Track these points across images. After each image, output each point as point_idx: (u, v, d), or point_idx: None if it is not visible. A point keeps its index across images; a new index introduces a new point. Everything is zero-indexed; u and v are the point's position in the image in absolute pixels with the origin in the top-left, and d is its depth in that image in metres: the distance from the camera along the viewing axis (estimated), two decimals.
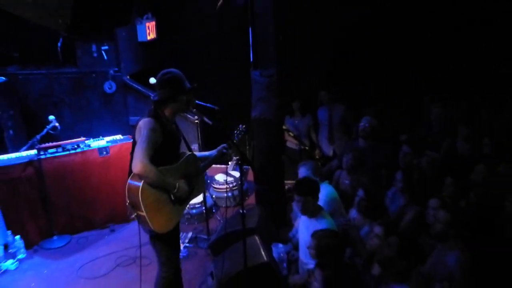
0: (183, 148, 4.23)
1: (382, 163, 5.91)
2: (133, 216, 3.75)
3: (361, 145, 6.14)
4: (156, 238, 4.01)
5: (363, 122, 6.16)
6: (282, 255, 5.15)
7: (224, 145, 4.34)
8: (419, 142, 6.52)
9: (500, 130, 6.64)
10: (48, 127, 6.04)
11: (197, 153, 4.37)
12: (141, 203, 3.65)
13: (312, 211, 4.62)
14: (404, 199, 5.10)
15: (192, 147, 6.27)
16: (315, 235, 4.06)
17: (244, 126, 4.51)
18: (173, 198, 3.89)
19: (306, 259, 4.49)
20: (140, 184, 3.65)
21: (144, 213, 3.67)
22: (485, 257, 4.20)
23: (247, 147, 6.74)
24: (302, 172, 5.46)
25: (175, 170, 3.92)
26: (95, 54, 7.43)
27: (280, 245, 5.29)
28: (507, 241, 4.34)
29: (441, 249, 4.06)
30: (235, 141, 4.31)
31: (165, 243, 4.03)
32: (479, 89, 7.85)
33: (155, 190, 3.74)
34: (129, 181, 3.75)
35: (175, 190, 3.82)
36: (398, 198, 5.18)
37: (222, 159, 4.38)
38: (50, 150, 5.85)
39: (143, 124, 3.75)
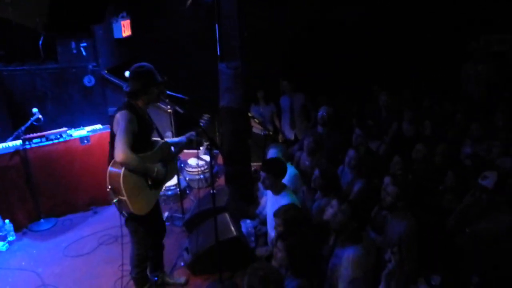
0: (155, 136, 4.22)
1: (338, 146, 5.99)
2: (115, 201, 3.73)
3: (320, 132, 6.21)
4: (132, 220, 4.00)
5: (321, 112, 6.23)
6: (250, 230, 5.20)
7: (192, 132, 4.34)
8: (371, 125, 6.62)
9: (439, 114, 6.81)
10: (32, 119, 5.91)
11: (168, 139, 4.36)
12: (122, 188, 3.64)
13: (277, 188, 4.66)
14: (352, 175, 5.18)
15: (166, 134, 6.28)
16: (278, 211, 4.10)
17: (208, 115, 4.50)
18: (150, 183, 3.89)
19: (273, 233, 4.54)
20: (121, 170, 3.64)
21: (125, 198, 3.67)
22: (427, 225, 4.32)
23: (217, 133, 6.74)
24: (272, 153, 5.51)
25: (151, 156, 3.92)
26: (74, 51, 7.29)
27: (248, 221, 5.33)
28: (445, 210, 4.47)
29: (391, 219, 4.14)
30: (202, 129, 4.31)
31: (140, 224, 4.04)
32: (422, 79, 8.03)
33: (135, 176, 3.74)
34: (110, 168, 3.73)
35: (155, 174, 3.83)
36: (346, 174, 5.27)
37: (191, 145, 4.38)
38: (35, 140, 5.75)
39: (120, 116, 3.72)
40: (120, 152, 3.57)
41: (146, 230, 4.11)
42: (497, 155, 5.24)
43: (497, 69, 7.52)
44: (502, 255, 3.82)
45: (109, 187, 3.73)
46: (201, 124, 4.36)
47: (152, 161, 3.89)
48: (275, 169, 4.63)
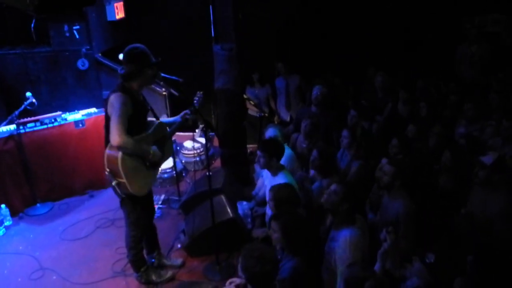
0: (150, 117, 4.20)
1: (332, 125, 5.98)
2: (114, 183, 3.73)
3: (314, 111, 6.19)
4: (127, 200, 4.00)
5: (315, 91, 6.19)
6: (246, 211, 5.21)
7: (187, 111, 4.33)
8: (366, 106, 6.60)
9: (434, 95, 6.81)
10: (25, 103, 5.84)
11: (163, 119, 4.34)
12: (121, 171, 3.66)
13: (274, 169, 4.66)
14: (350, 155, 5.18)
15: (162, 117, 6.23)
16: (273, 188, 4.12)
17: (201, 93, 4.47)
18: (147, 164, 3.90)
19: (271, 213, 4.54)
20: (119, 153, 3.63)
21: (124, 180, 3.70)
22: (423, 204, 4.34)
23: (212, 115, 6.70)
24: (270, 132, 5.48)
25: (147, 138, 3.92)
26: (67, 34, 7.18)
27: (244, 203, 5.34)
28: (441, 189, 4.49)
29: (388, 199, 4.16)
30: (196, 107, 4.29)
31: (136, 204, 4.04)
32: (417, 59, 7.99)
33: (132, 158, 3.74)
34: (107, 151, 3.73)
35: (151, 156, 3.83)
36: (346, 155, 5.27)
37: (186, 123, 4.37)
38: (29, 125, 5.70)
39: (114, 99, 3.69)
40: (116, 136, 3.56)
41: (141, 212, 4.11)
42: (490, 135, 5.25)
43: (491, 50, 7.49)
44: (496, 235, 3.85)
45: (108, 170, 3.73)
46: (195, 102, 4.34)
47: (147, 142, 3.89)
48: (270, 149, 4.62)
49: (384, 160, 4.39)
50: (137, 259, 4.31)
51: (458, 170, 4.40)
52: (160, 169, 6.07)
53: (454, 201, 4.22)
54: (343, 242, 3.54)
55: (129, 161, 3.70)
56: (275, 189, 4.10)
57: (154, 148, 3.90)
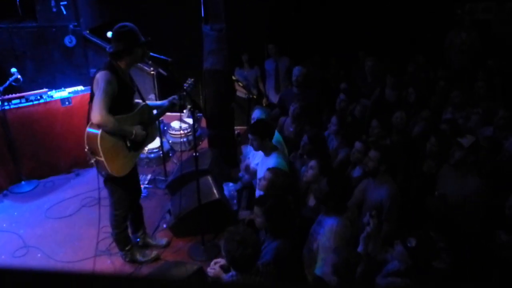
0: (137, 98, 4.17)
1: (312, 105, 6.00)
2: (92, 161, 3.72)
3: (295, 92, 6.21)
4: (110, 180, 4.02)
5: (295, 72, 6.23)
6: (232, 192, 5.24)
7: (175, 96, 4.30)
8: (355, 90, 6.63)
9: (423, 81, 6.85)
10: (10, 79, 5.75)
11: (151, 102, 4.31)
12: (100, 149, 3.63)
13: (267, 150, 4.66)
14: (337, 141, 5.21)
15: (149, 97, 6.21)
16: (272, 170, 4.13)
17: (192, 79, 4.44)
18: (128, 145, 3.88)
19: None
20: (99, 131, 3.61)
21: (102, 158, 3.67)
22: (408, 189, 4.41)
23: (200, 96, 6.68)
24: (256, 113, 5.48)
25: (130, 118, 3.89)
26: (54, 9, 7.05)
27: (231, 184, 5.37)
28: (424, 174, 4.54)
29: (372, 183, 4.20)
30: (185, 93, 4.27)
31: (118, 184, 4.05)
32: (407, 45, 8.00)
33: (112, 137, 3.72)
34: (87, 129, 3.70)
35: (133, 136, 3.81)
36: (332, 140, 5.30)
37: (173, 108, 4.36)
38: (14, 101, 5.62)
39: (100, 77, 3.66)
40: (97, 113, 3.54)
41: (124, 191, 4.12)
42: (476, 123, 5.30)
43: (481, 38, 7.53)
44: (468, 218, 3.93)
45: (87, 147, 3.71)
46: (185, 87, 4.32)
47: (131, 123, 3.86)
48: (261, 130, 4.62)
49: (357, 144, 4.45)
50: (120, 238, 4.33)
51: (443, 156, 4.45)
52: (146, 149, 6.09)
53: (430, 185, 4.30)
54: (328, 231, 3.58)
55: (109, 140, 3.69)
56: (273, 171, 4.10)
57: (137, 127, 3.87)
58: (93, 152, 3.70)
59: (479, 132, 5.08)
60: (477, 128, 5.22)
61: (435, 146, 4.51)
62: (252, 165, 5.14)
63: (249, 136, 4.66)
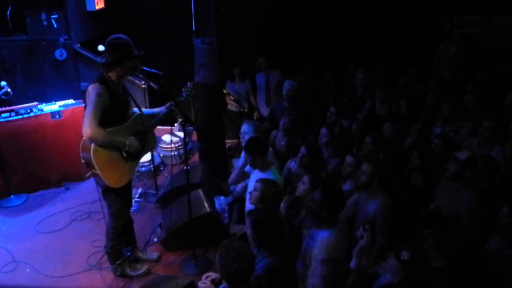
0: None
1: (303, 119, 6.04)
2: (89, 174, 3.73)
3: (285, 106, 6.27)
4: (109, 192, 4.00)
5: (285, 86, 6.29)
6: (223, 206, 5.23)
7: (172, 102, 4.27)
8: (346, 103, 6.68)
9: (414, 93, 6.93)
10: (0, 92, 5.76)
11: (147, 110, 4.31)
12: (94, 163, 3.64)
13: (263, 166, 4.65)
14: (327, 153, 5.24)
15: None
16: (262, 181, 4.13)
17: (191, 83, 4.45)
18: (125, 156, 3.89)
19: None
20: (92, 145, 3.63)
21: (98, 171, 3.69)
22: (398, 202, 4.44)
23: (191, 109, 6.70)
24: (245, 127, 5.47)
25: (124, 129, 3.89)
26: (45, 23, 7.09)
27: (222, 198, 5.37)
28: (413, 187, 4.59)
29: (364, 197, 4.23)
30: (184, 99, 4.28)
31: (117, 196, 4.05)
32: (397, 58, 8.10)
33: (106, 150, 3.74)
34: (82, 141, 3.73)
35: (126, 148, 3.81)
36: (323, 151, 5.32)
37: (171, 115, 4.32)
38: (4, 115, 5.60)
39: (91, 90, 3.68)
40: (87, 127, 3.56)
41: (122, 202, 4.11)
42: (465, 136, 5.37)
43: (470, 51, 7.64)
44: (462, 230, 3.97)
45: (82, 160, 3.72)
46: (183, 93, 4.33)
47: (125, 134, 3.86)
48: (251, 148, 4.60)
49: (348, 158, 4.48)
50: (114, 251, 4.30)
51: (428, 169, 4.51)
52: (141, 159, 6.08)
53: (423, 198, 4.33)
54: (320, 243, 3.59)
55: (103, 153, 3.69)
56: (264, 183, 4.10)
57: (131, 138, 3.87)
58: (88, 165, 3.71)
59: (467, 145, 5.15)
60: (466, 141, 5.28)
61: (417, 159, 4.56)
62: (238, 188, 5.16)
63: (248, 157, 4.62)
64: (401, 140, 5.41)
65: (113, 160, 3.80)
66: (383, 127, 5.36)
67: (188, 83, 4.47)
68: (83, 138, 3.71)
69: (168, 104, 4.32)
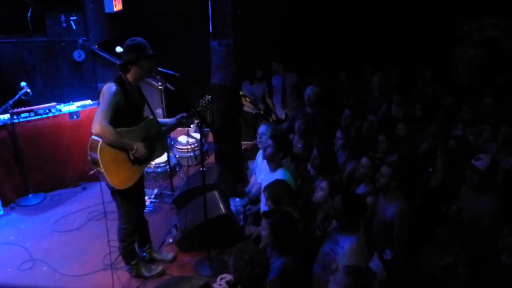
0: (148, 113, 4.19)
1: (327, 125, 6.01)
2: (93, 171, 3.74)
3: (309, 112, 6.22)
4: (116, 193, 4.02)
5: (308, 92, 6.23)
6: (239, 208, 5.22)
7: (183, 114, 4.26)
8: (361, 106, 6.64)
9: (430, 96, 6.87)
10: (20, 93, 5.82)
11: (160, 120, 4.32)
12: (99, 160, 3.64)
13: (275, 163, 4.68)
14: (345, 156, 5.21)
15: (157, 111, 6.26)
16: (266, 188, 4.14)
17: (210, 96, 4.45)
18: (132, 158, 3.87)
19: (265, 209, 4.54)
20: (99, 142, 3.63)
21: (102, 170, 3.68)
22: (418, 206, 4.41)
23: (208, 111, 6.72)
24: (262, 129, 5.48)
25: (135, 132, 3.88)
26: (64, 24, 7.18)
27: (237, 199, 5.36)
28: (432, 189, 4.55)
29: (383, 200, 4.22)
30: (198, 109, 4.28)
31: (124, 198, 4.05)
32: (414, 61, 8.03)
33: (113, 150, 3.71)
34: (92, 136, 3.72)
35: (133, 151, 3.79)
36: (340, 155, 5.30)
37: (181, 126, 4.35)
38: (23, 115, 5.68)
39: (106, 88, 3.71)
40: (97, 123, 3.56)
41: (130, 204, 4.12)
42: (485, 139, 5.30)
43: (489, 54, 7.55)
44: (481, 234, 3.92)
45: (89, 157, 3.73)
46: (200, 104, 4.33)
47: (135, 136, 3.85)
48: (282, 143, 4.64)
49: (363, 160, 4.45)
50: (127, 251, 4.32)
51: (449, 172, 4.47)
52: (153, 164, 6.11)
53: (441, 200, 4.29)
54: (348, 251, 3.56)
55: (110, 152, 3.69)
56: (269, 187, 4.11)
57: (139, 143, 3.82)
58: (94, 162, 3.71)
59: (487, 149, 5.08)
60: (486, 145, 5.21)
61: (441, 162, 4.53)
62: (259, 180, 5.14)
63: (268, 141, 4.64)
64: (415, 142, 5.35)
65: (120, 161, 3.78)
66: (397, 127, 5.31)
67: (207, 95, 4.46)
68: (92, 135, 3.72)
69: (178, 116, 4.29)
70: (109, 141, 3.64)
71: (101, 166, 3.65)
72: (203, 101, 4.39)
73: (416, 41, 8.29)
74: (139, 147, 3.81)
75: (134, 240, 4.37)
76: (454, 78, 7.64)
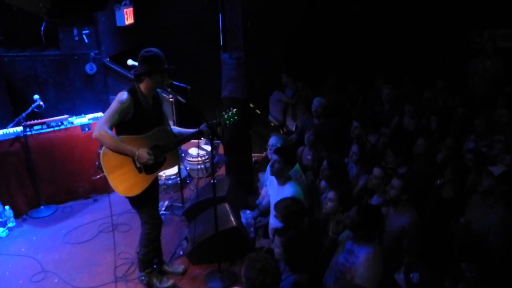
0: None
1: (335, 136, 6.00)
2: (99, 176, 3.77)
3: (316, 123, 6.23)
4: (133, 201, 4.08)
5: (315, 104, 6.22)
6: (249, 220, 5.22)
7: (204, 126, 4.18)
8: (371, 118, 6.61)
9: (442, 107, 6.83)
10: (33, 105, 5.92)
11: (177, 129, 4.32)
12: (102, 165, 3.71)
13: (283, 178, 4.66)
14: (357, 169, 5.19)
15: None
16: (279, 204, 4.10)
17: (235, 109, 4.40)
18: (138, 166, 3.89)
19: (276, 223, 4.53)
20: (103, 147, 3.70)
21: (106, 175, 3.75)
22: (428, 218, 4.37)
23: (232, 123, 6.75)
24: (273, 140, 5.47)
25: (142, 140, 3.89)
26: (76, 38, 7.28)
27: (248, 211, 5.36)
28: (444, 201, 4.51)
29: (393, 212, 4.18)
30: (222, 122, 4.29)
31: (142, 204, 4.09)
32: (425, 71, 8.01)
33: (117, 155, 3.75)
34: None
35: (135, 157, 3.80)
36: (352, 167, 5.28)
37: (201, 135, 4.26)
38: (36, 127, 5.77)
39: (118, 95, 3.81)
40: (97, 127, 3.66)
41: (151, 209, 4.18)
42: (499, 151, 5.25)
43: (504, 65, 7.50)
44: (490, 246, 3.87)
45: (97, 163, 3.78)
46: (224, 116, 4.32)
47: (140, 144, 3.82)
48: (288, 156, 4.63)
49: (376, 170, 4.43)
50: (147, 258, 4.36)
51: (460, 184, 4.43)
52: (163, 175, 6.13)
53: (453, 213, 4.25)
54: (365, 261, 3.53)
55: (112, 157, 3.73)
56: (282, 204, 4.07)
57: (142, 150, 3.77)
58: (99, 167, 3.78)
59: (501, 160, 5.03)
60: (500, 157, 5.16)
61: (450, 174, 4.49)
62: (269, 192, 5.14)
63: (274, 157, 4.63)
64: (432, 155, 5.31)
65: (124, 167, 3.82)
66: (416, 143, 5.28)
67: (232, 107, 4.43)
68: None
69: (197, 130, 4.22)
70: (107, 145, 3.70)
71: (104, 171, 3.72)
72: (227, 113, 4.36)
73: (427, 52, 8.27)
74: (141, 154, 3.77)
75: (155, 248, 4.39)
76: (470, 89, 7.59)
